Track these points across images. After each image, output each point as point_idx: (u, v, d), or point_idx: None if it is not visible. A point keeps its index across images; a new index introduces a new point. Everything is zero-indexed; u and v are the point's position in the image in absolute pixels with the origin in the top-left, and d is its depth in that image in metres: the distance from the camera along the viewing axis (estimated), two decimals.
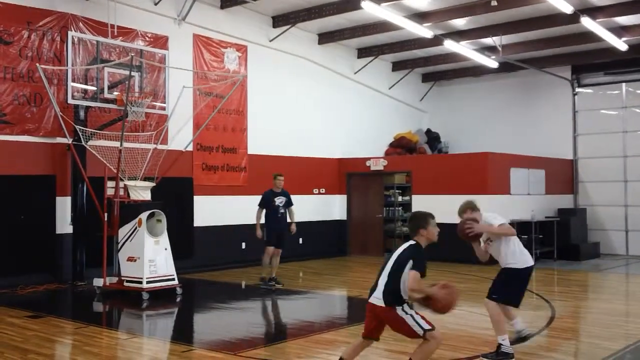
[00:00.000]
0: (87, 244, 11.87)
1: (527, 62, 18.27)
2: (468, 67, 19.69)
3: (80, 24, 12.23)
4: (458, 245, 15.44)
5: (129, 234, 10.71)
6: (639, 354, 7.10)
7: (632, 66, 17.89)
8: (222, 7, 14.64)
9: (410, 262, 5.47)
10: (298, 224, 16.15)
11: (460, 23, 15.75)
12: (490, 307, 6.71)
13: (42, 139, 11.88)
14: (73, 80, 11.24)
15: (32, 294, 10.83)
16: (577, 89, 19.10)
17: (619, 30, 15.62)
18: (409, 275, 5.43)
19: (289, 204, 11.88)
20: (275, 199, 11.73)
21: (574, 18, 13.98)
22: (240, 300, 11.42)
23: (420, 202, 16.43)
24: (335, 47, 17.66)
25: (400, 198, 18.08)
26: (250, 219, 15.24)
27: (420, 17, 14.81)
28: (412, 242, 5.72)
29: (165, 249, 10.79)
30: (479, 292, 11.40)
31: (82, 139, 11.19)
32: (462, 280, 12.77)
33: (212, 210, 14.43)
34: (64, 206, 12.09)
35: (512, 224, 15.73)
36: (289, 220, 11.88)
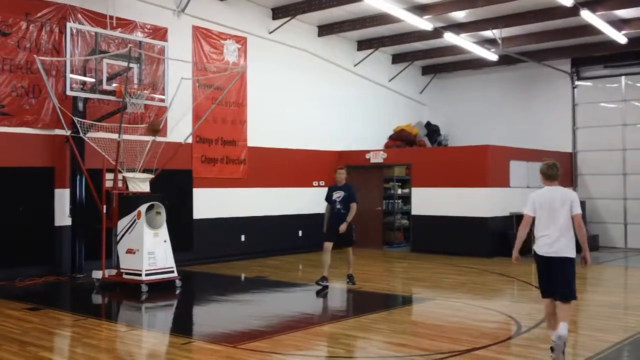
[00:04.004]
0: (86, 236, 11.85)
1: (527, 54, 18.24)
2: (468, 59, 19.65)
3: (79, 15, 12.17)
4: (457, 238, 15.54)
5: (128, 226, 10.69)
6: (637, 346, 7.12)
7: (631, 59, 17.86)
8: None
9: None
10: (297, 216, 16.33)
11: (460, 15, 15.71)
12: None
13: (41, 130, 11.84)
14: (71, 72, 11.18)
15: (31, 287, 10.82)
16: (577, 82, 19.07)
17: (619, 23, 15.59)
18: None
19: (347, 199, 10.87)
20: (334, 193, 11.01)
21: (574, 11, 13.95)
22: (239, 292, 11.43)
23: (420, 195, 16.46)
24: (335, 39, 17.62)
25: (400, 191, 18.09)
26: (249, 212, 15.37)
27: (420, 9, 14.77)
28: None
29: (165, 241, 10.78)
30: (478, 285, 11.43)
31: (80, 130, 11.15)
32: (462, 273, 12.78)
33: (211, 203, 14.42)
34: (62, 198, 12.07)
35: (510, 216, 15.92)
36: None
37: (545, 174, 6.55)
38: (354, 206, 10.89)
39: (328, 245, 10.93)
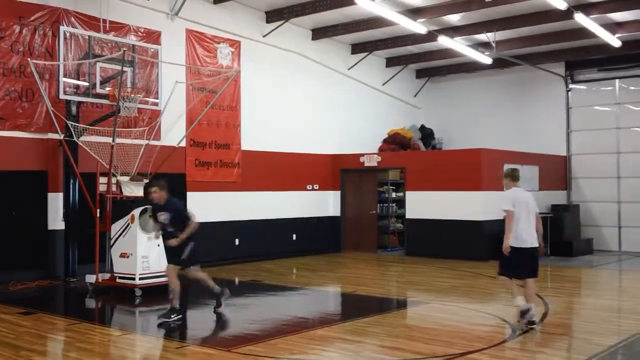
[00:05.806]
0: (80, 240, 11.79)
1: (521, 58, 18.27)
2: (462, 63, 19.67)
3: (72, 19, 12.15)
4: (451, 241, 15.53)
5: (121, 230, 10.66)
6: (631, 349, 7.12)
7: (625, 62, 17.90)
8: (215, 2, 14.57)
9: None
10: (291, 220, 16.28)
11: (454, 19, 15.73)
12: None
13: (34, 134, 11.81)
14: (65, 76, 11.15)
15: (24, 291, 10.77)
16: (571, 85, 19.11)
17: (613, 27, 15.63)
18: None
19: (179, 220, 8.82)
20: (158, 214, 8.83)
21: (568, 14, 13.99)
22: (233, 296, 11.34)
23: (414, 198, 16.45)
24: (329, 42, 17.62)
25: (394, 194, 18.09)
26: (243, 215, 15.32)
27: (414, 12, 14.78)
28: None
29: (158, 245, 10.72)
30: (473, 288, 11.42)
31: (74, 134, 11.11)
32: (456, 276, 12.78)
33: (205, 207, 14.35)
34: (56, 202, 12.02)
35: (505, 220, 15.88)
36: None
37: (512, 176, 8.45)
38: (193, 226, 8.90)
39: (170, 269, 8.90)
